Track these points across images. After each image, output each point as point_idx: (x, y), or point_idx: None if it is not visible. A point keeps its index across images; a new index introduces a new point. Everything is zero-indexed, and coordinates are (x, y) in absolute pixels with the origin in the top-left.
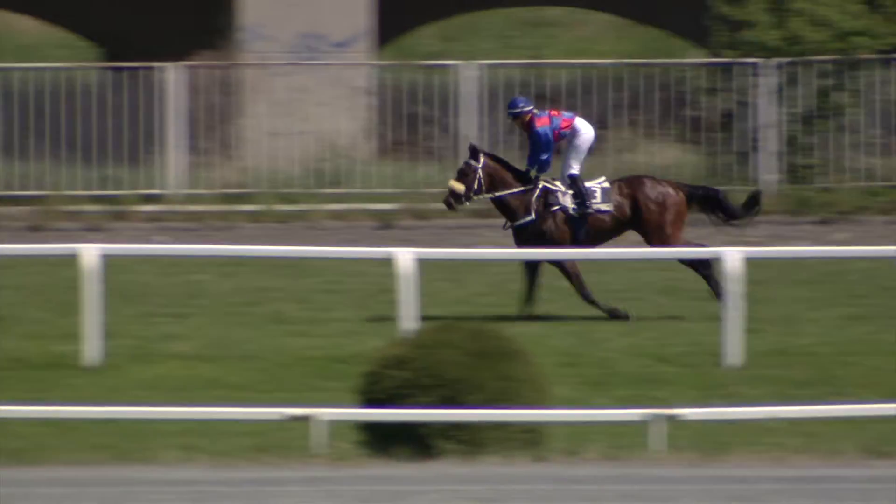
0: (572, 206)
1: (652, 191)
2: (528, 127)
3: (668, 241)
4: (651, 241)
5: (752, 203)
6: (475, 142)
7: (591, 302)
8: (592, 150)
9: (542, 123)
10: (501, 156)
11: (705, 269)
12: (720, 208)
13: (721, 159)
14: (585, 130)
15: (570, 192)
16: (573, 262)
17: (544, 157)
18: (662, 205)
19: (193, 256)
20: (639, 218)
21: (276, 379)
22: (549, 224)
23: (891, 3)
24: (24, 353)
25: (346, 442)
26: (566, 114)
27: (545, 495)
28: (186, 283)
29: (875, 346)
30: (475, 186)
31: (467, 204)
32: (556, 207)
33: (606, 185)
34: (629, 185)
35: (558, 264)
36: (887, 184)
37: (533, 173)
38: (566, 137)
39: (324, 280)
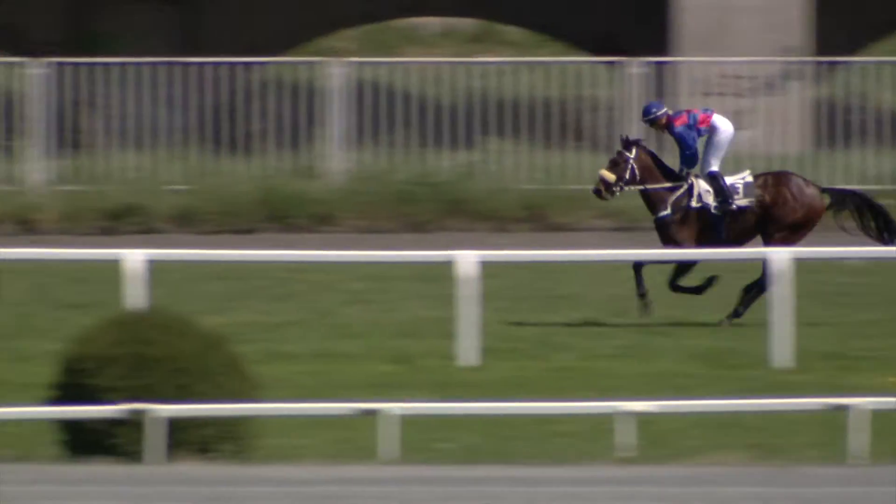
0: (714, 203)
1: (797, 190)
2: (668, 129)
3: (790, 242)
4: (771, 237)
5: None
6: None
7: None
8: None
9: (681, 122)
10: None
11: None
12: (875, 217)
13: None
14: (725, 127)
15: (712, 190)
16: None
17: (688, 153)
18: (800, 207)
19: None
20: (772, 211)
21: None
22: (677, 220)
23: None
24: None
25: None
26: (703, 110)
27: None
28: None
29: None
30: (626, 177)
31: (618, 193)
32: (698, 205)
33: (749, 178)
34: (776, 178)
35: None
36: None
37: (685, 172)
38: (704, 134)
39: None
